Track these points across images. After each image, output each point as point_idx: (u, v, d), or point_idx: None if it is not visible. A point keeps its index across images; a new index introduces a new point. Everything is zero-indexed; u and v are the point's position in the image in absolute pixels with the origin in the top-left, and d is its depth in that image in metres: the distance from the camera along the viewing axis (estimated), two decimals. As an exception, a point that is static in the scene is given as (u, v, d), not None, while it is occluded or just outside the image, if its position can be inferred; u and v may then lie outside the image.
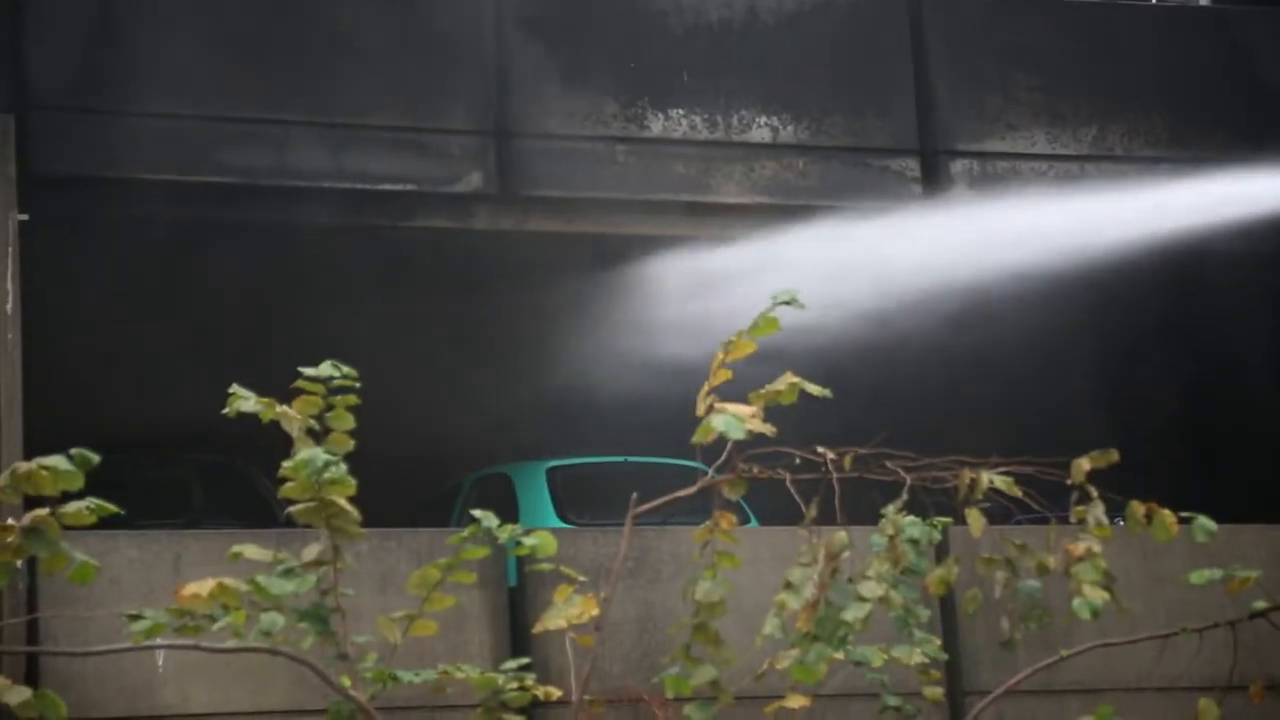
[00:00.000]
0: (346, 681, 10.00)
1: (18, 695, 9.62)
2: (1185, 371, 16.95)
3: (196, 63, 13.74)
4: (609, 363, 13.62)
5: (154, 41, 13.65)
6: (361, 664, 10.08)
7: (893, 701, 10.86)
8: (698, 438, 10.06)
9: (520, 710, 10.50)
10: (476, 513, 10.39)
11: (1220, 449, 15.81)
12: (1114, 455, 10.70)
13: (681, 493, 10.47)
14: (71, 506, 9.22)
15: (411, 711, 11.06)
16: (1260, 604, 11.09)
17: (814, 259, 12.73)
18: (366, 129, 13.95)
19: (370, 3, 14.15)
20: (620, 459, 14.18)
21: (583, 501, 14.35)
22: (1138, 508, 10.58)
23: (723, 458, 9.98)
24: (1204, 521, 10.55)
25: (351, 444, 9.85)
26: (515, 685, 10.37)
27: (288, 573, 9.80)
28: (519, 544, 10.39)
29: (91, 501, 9.26)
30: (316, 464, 9.63)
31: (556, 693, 10.53)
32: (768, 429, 9.96)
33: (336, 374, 9.77)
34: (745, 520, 10.92)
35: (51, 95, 13.10)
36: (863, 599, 10.29)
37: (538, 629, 10.76)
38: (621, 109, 14.67)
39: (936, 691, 10.90)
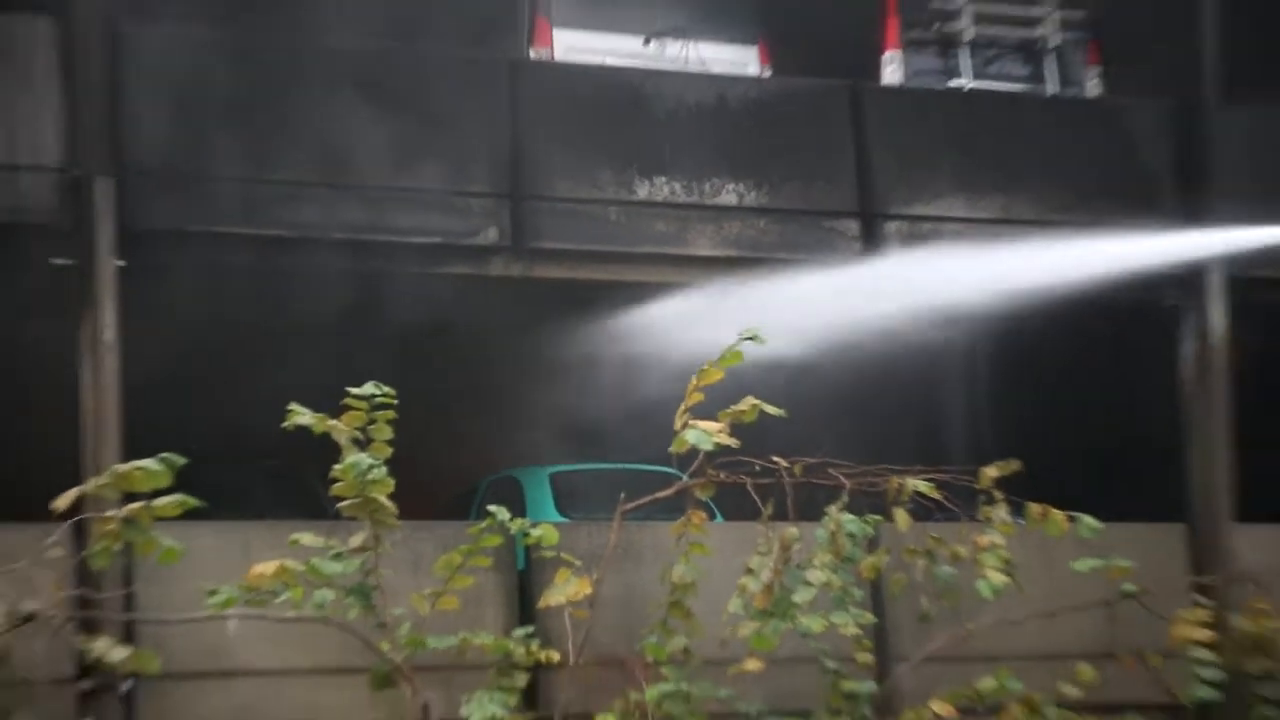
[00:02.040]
0: (385, 646, 10.49)
1: (119, 653, 9.83)
2: (1076, 394, 16.83)
3: (261, 137, 13.64)
4: (601, 385, 13.53)
5: (226, 119, 13.56)
6: (397, 631, 10.36)
7: (831, 665, 11.05)
8: (674, 448, 10.27)
9: (526, 670, 10.96)
10: (492, 509, 10.61)
11: (1106, 460, 15.59)
12: (1015, 465, 10.90)
13: (661, 494, 10.80)
14: (161, 501, 9.48)
15: (438, 671, 10.82)
16: (1130, 587, 11.23)
17: (771, 302, 12.69)
18: (404, 191, 13.80)
19: (407, 90, 13.95)
20: (610, 465, 14.08)
21: (579, 500, 14.19)
22: (1035, 508, 11.12)
23: (695, 465, 10.13)
24: (1088, 520, 10.80)
25: (389, 451, 10.02)
26: (523, 650, 10.66)
27: (337, 556, 10.37)
28: (527, 535, 10.98)
29: (177, 497, 9.43)
30: (362, 467, 9.87)
31: (556, 656, 11.02)
32: (732, 441, 10.10)
33: (378, 393, 9.93)
34: (712, 516, 10.91)
35: (144, 163, 12.98)
36: (809, 583, 10.48)
37: (541, 604, 11.23)
38: (614, 176, 14.46)
39: (868, 657, 11.40)
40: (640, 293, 13.77)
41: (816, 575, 10.62)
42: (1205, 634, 11.70)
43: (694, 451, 10.29)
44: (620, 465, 13.93)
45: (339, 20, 14.12)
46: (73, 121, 13.05)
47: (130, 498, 9.90)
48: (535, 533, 11.12)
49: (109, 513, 9.80)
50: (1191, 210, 15.18)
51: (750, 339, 10.25)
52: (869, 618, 11.15)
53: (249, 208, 13.46)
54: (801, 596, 10.54)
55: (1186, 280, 15.12)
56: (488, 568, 11.16)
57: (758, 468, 10.54)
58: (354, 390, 10.04)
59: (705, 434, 10.11)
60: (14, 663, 9.95)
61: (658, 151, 14.76)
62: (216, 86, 13.62)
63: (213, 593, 9.96)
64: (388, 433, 10.10)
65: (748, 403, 10.12)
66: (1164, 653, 11.76)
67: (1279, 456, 15.53)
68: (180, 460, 9.66)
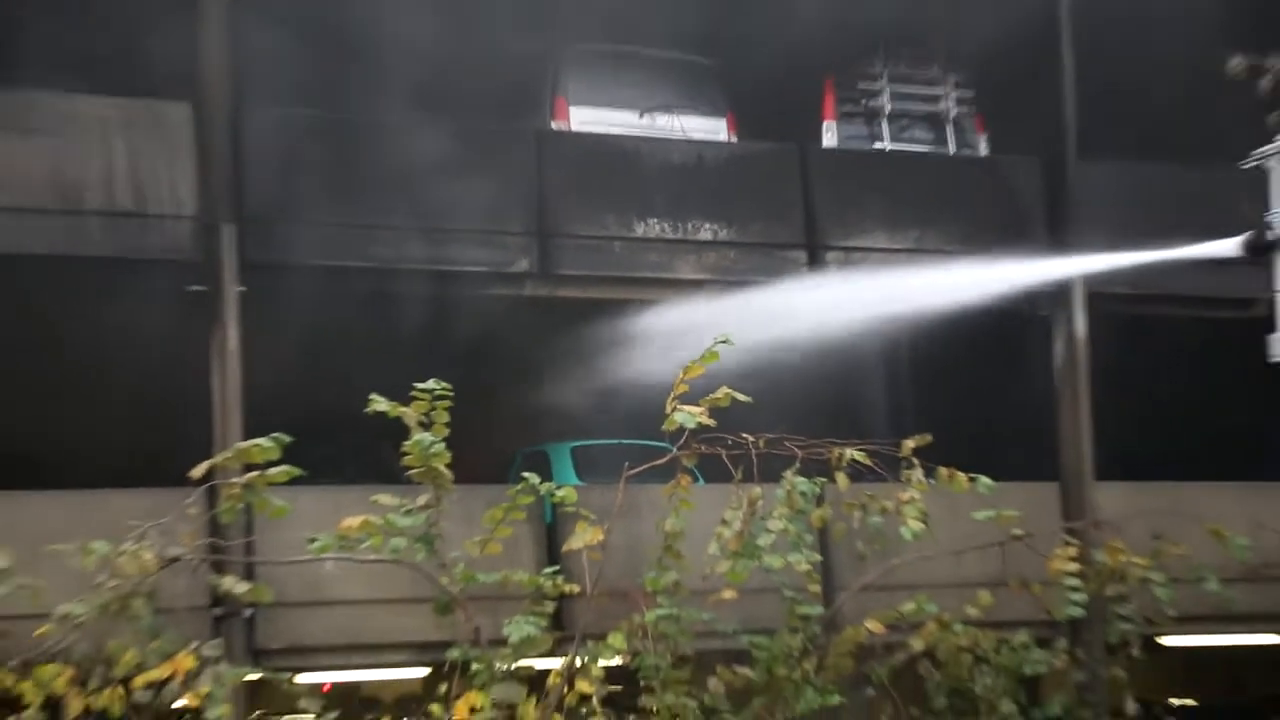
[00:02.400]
0: (445, 581, 10.61)
1: (241, 587, 9.99)
2: (974, 383, 16.81)
3: (347, 191, 13.57)
4: (608, 378, 13.44)
5: (320, 178, 13.49)
6: (454, 570, 10.59)
7: (789, 594, 11.31)
8: (666, 427, 10.16)
9: (554, 599, 10.83)
10: (526, 475, 10.53)
11: (997, 434, 15.61)
12: (928, 438, 10.84)
13: (655, 463, 10.59)
14: (272, 471, 9.96)
15: (486, 601, 10.79)
16: (1017, 531, 11.19)
17: (739, 314, 12.59)
18: (456, 231, 13.78)
19: (459, 153, 13.69)
20: (617, 441, 13.98)
21: (593, 468, 14.07)
22: (944, 472, 11.16)
23: (682, 440, 10.02)
24: (984, 480, 10.87)
25: (446, 431, 9.98)
26: (550, 584, 10.69)
27: (407, 513, 10.34)
28: (553, 495, 10.71)
29: (284, 468, 9.53)
30: (425, 444, 9.85)
31: (576, 589, 10.92)
32: (711, 422, 10.02)
33: (437, 387, 9.88)
34: (696, 480, 10.86)
35: (258, 212, 13.00)
36: (770, 531, 10.45)
37: (565, 549, 11.12)
38: (616, 219, 14.38)
39: (817, 588, 11.38)
40: (639, 308, 13.66)
41: (775, 524, 10.68)
42: (1074, 567, 11.94)
43: (681, 430, 10.25)
44: (625, 440, 13.74)
45: (405, 99, 14.10)
46: (205, 181, 13.03)
47: (249, 468, 10.18)
48: (559, 494, 11.08)
49: (233, 480, 10.09)
50: (1058, 241, 15.11)
51: (723, 342, 10.18)
52: (817, 557, 11.23)
53: (339, 245, 13.44)
54: (764, 541, 10.63)
55: (1056, 295, 15.05)
56: (523, 520, 11.17)
57: (730, 441, 10.47)
58: (419, 385, 10.10)
59: (690, 415, 10.11)
60: (161, 595, 10.02)
61: (650, 200, 14.69)
62: (313, 153, 13.65)
63: (312, 540, 10.09)
64: (445, 417, 10.15)
65: (722, 391, 10.07)
66: (1043, 582, 11.96)
67: (1129, 430, 15.67)
68: (286, 439, 9.93)
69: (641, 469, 10.92)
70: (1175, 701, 17.28)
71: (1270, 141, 10.68)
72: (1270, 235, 10.14)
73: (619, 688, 10.38)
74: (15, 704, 9.29)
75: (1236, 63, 11.30)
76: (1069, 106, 15.71)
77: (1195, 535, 12.54)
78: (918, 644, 11.46)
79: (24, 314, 13.61)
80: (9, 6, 13.34)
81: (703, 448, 10.58)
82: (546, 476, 11.88)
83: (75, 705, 9.15)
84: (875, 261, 14.84)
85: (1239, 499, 15.17)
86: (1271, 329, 10.38)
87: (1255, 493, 15.75)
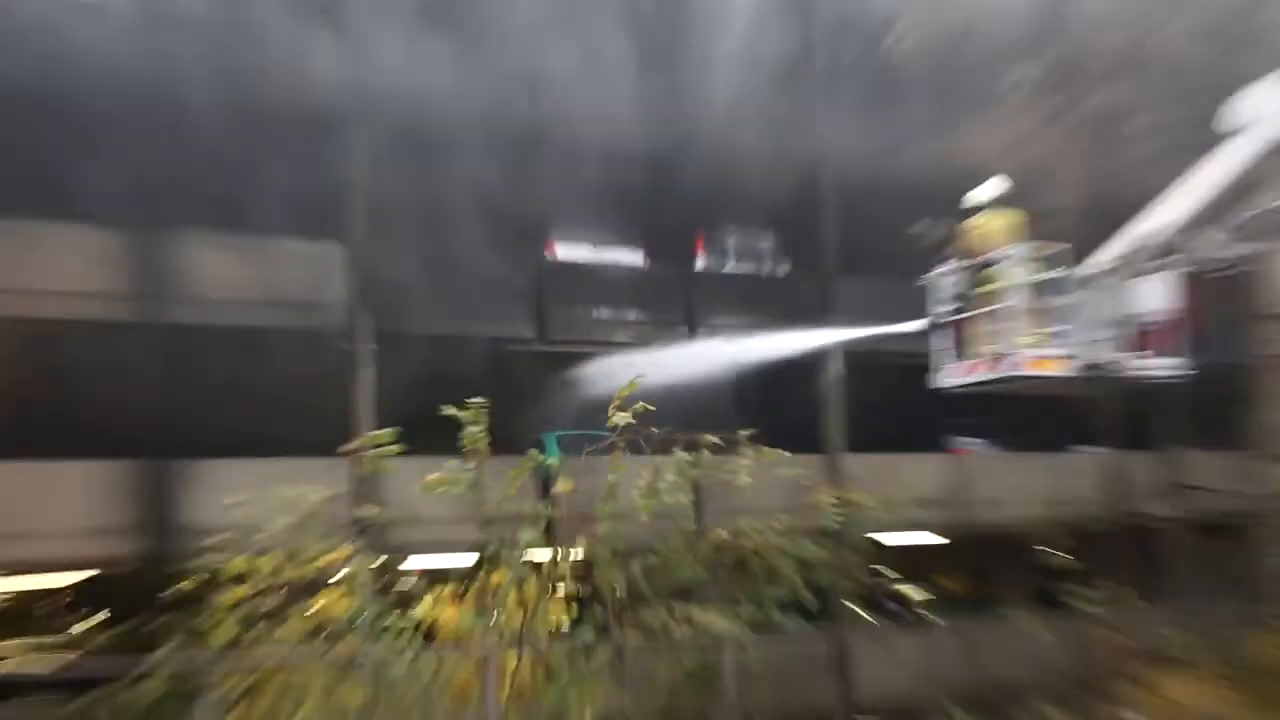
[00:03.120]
0: (486, 508, 10.07)
1: (371, 511, 10.55)
2: (778, 396, 14.70)
3: (434, 289, 13.36)
4: (578, 396, 12.80)
5: (415, 282, 13.18)
6: (492, 503, 10.13)
7: (678, 520, 10.94)
8: (609, 423, 10.19)
9: (545, 520, 10.44)
10: (532, 451, 10.38)
11: (793, 423, 13.92)
12: (753, 430, 10.74)
13: (603, 444, 10.40)
14: (387, 447, 9.94)
15: (509, 521, 10.20)
16: (806, 484, 11.27)
17: (651, 362, 11.61)
18: (495, 312, 13.82)
19: (489, 272, 13.70)
20: (582, 431, 13.61)
21: (570, 446, 13.22)
22: (763, 448, 10.83)
23: (618, 431, 10.30)
24: (784, 453, 10.77)
25: (485, 423, 10.11)
26: (545, 511, 10.47)
27: (465, 471, 10.02)
28: (546, 462, 10.45)
29: (395, 446, 9.78)
30: (475, 433, 10.03)
31: (560, 514, 10.62)
32: (634, 421, 10.07)
33: (480, 402, 9.95)
34: (625, 454, 10.69)
35: (379, 302, 12.89)
36: (665, 482, 10.54)
37: (553, 492, 10.77)
38: (584, 309, 14.47)
39: (691, 519, 11.07)
40: (594, 357, 13.16)
41: (668, 479, 10.50)
42: (832, 500, 12.27)
43: (617, 425, 10.14)
44: (587, 431, 13.40)
45: (465, 231, 13.54)
46: (350, 286, 12.63)
47: (374, 447, 10.04)
48: (551, 460, 11.08)
49: (365, 452, 10.09)
50: (826, 322, 14.90)
51: (640, 377, 10.17)
52: (691, 497, 10.93)
53: (427, 321, 13.22)
54: (663, 488, 10.45)
55: (827, 350, 14.77)
56: (529, 475, 10.84)
57: (645, 433, 10.28)
58: (470, 400, 10.01)
59: (623, 417, 10.04)
60: (329, 516, 9.50)
61: (600, 297, 14.68)
62: (411, 268, 13.32)
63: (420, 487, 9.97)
64: (485, 419, 10.05)
65: (640, 405, 10.04)
66: (818, 508, 12.15)
67: (870, 422, 15.25)
68: (397, 430, 9.87)
69: (595, 448, 10.74)
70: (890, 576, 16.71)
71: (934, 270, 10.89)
72: (932, 321, 10.39)
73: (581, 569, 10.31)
74: (245, 579, 8.99)
75: (918, 225, 11.74)
76: (831, 245, 15.55)
77: (896, 485, 12.71)
78: (748, 543, 11.22)
79: (248, 355, 12.75)
80: (256, 178, 12.31)
81: (627, 436, 10.39)
82: (543, 451, 11.76)
83: (288, 574, 8.96)
84: (726, 332, 14.74)
85: (915, 465, 14.89)
86: (931, 371, 10.46)
87: (939, 460, 15.79)
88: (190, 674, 8.63)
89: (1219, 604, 13.81)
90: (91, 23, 11.90)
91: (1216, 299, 12.92)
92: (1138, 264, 8.91)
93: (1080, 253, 9.25)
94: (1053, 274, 9.23)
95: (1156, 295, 8.95)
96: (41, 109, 11.41)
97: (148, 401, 11.76)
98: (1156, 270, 8.96)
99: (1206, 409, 13.90)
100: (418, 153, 13.32)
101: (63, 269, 11.70)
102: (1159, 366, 9.05)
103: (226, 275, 12.48)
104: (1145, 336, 8.93)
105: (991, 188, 10.10)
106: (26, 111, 11.36)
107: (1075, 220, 11.80)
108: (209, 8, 12.56)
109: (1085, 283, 8.97)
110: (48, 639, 13.35)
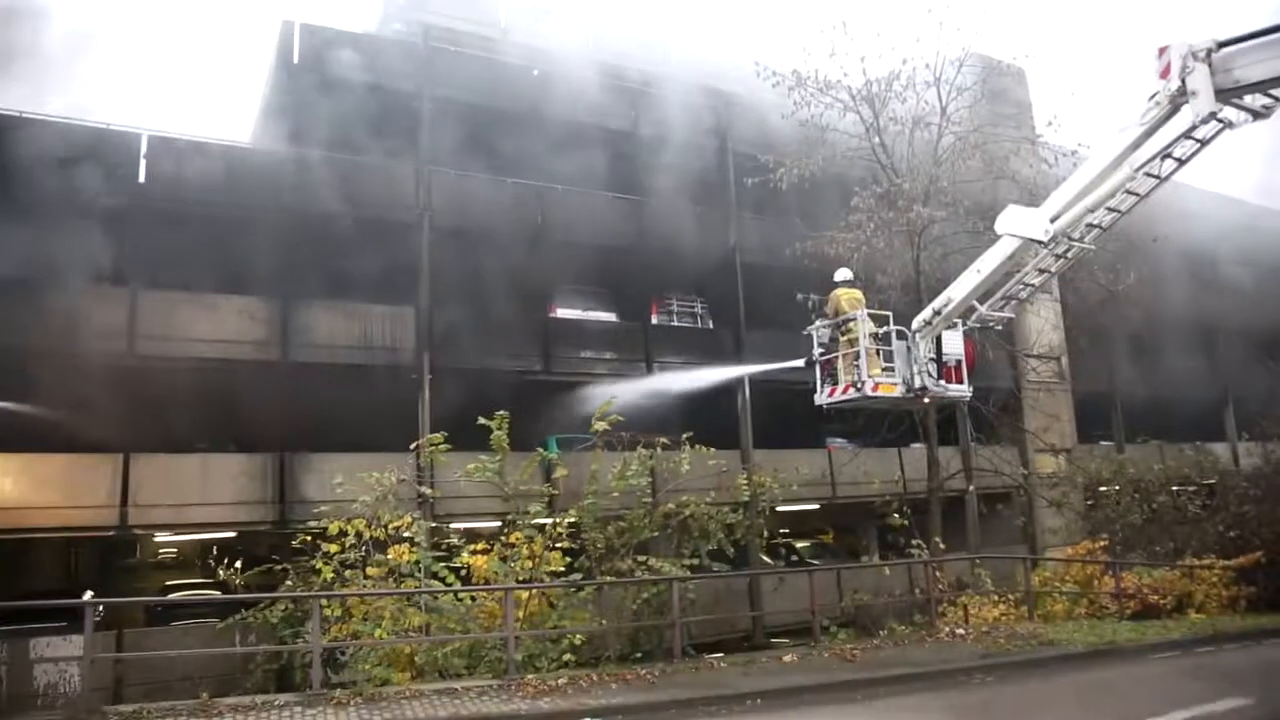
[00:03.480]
0: (507, 488, 9.66)
1: (427, 490, 9.98)
2: (707, 409, 13.96)
3: (479, 337, 13.21)
4: (570, 412, 12.42)
5: (466, 329, 13.16)
6: (510, 482, 9.78)
7: (643, 497, 10.34)
8: (592, 428, 9.76)
9: (548, 496, 10.29)
10: (539, 448, 10.42)
11: (717, 430, 12.32)
12: (691, 433, 10.26)
13: (589, 444, 10.16)
14: (441, 445, 9.36)
15: (525, 498, 9.79)
16: (723, 469, 11.06)
17: (622, 389, 11.78)
18: (518, 351, 13.51)
19: (512, 324, 13.37)
20: (572, 435, 12.74)
21: (565, 444, 12.44)
22: (700, 447, 10.38)
23: (600, 434, 9.80)
24: (712, 450, 10.37)
25: (506, 427, 9.65)
26: (549, 489, 10.40)
27: (492, 461, 9.62)
28: (549, 454, 10.34)
29: (444, 445, 9.25)
30: (498, 437, 9.57)
31: (557, 491, 10.51)
32: (609, 428, 9.70)
33: (502, 414, 9.47)
34: (605, 450, 10.05)
35: (437, 345, 12.69)
36: (632, 469, 10.16)
37: (553, 477, 10.62)
38: (575, 349, 14.06)
39: (650, 497, 10.45)
40: (582, 385, 12.92)
41: (635, 467, 10.21)
42: (745, 481, 11.54)
43: (598, 431, 9.71)
44: (577, 435, 12.75)
45: (493, 299, 13.34)
46: (418, 336, 12.65)
47: (432, 445, 9.43)
48: (552, 454, 11.05)
49: (426, 448, 9.59)
50: (740, 361, 14.76)
51: (614, 399, 10.01)
52: (649, 479, 10.60)
53: (471, 358, 13.04)
54: (631, 473, 10.11)
55: (739, 381, 14.75)
56: (537, 465, 10.50)
57: (618, 435, 9.94)
58: (497, 413, 9.58)
59: (602, 425, 9.70)
60: (399, 494, 9.00)
61: (586, 342, 14.43)
62: (464, 322, 13.26)
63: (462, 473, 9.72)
64: (506, 426, 9.64)
65: (614, 416, 9.74)
66: (736, 487, 11.34)
67: (770, 428, 14.88)
68: (446, 434, 9.49)
69: (583, 446, 10.40)
70: (791, 539, 16.55)
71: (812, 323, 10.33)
72: (811, 359, 9.93)
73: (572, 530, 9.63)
74: (341, 537, 8.58)
75: (801, 298, 12.11)
76: (743, 307, 15.41)
77: (789, 470, 12.37)
78: (688, 511, 10.28)
79: (347, 383, 12.65)
80: (357, 263, 12.19)
81: (607, 438, 9.94)
82: (546, 446, 11.89)
83: (368, 534, 8.67)
84: (672, 367, 14.62)
85: (802, 457, 14.54)
86: (813, 392, 10.09)
87: (818, 453, 15.50)
88: (303, 602, 8.57)
89: (1003, 549, 14.66)
90: (253, 166, 12.54)
91: (992, 344, 13.44)
92: (942, 322, 9.31)
93: (902, 316, 9.61)
94: (886, 329, 9.57)
95: (954, 342, 9.32)
96: (211, 221, 11.88)
97: (280, 414, 11.95)
98: (953, 326, 9.37)
99: (989, 417, 14.39)
100: (464, 246, 13.60)
101: (227, 325, 12.14)
102: (956, 390, 9.42)
103: (335, 329, 12.75)
104: (948, 370, 9.29)
105: (845, 272, 10.47)
106: (204, 223, 11.85)
107: (900, 293, 12.37)
108: (329, 147, 12.84)
109: (909, 334, 9.32)
110: (206, 579, 13.43)
